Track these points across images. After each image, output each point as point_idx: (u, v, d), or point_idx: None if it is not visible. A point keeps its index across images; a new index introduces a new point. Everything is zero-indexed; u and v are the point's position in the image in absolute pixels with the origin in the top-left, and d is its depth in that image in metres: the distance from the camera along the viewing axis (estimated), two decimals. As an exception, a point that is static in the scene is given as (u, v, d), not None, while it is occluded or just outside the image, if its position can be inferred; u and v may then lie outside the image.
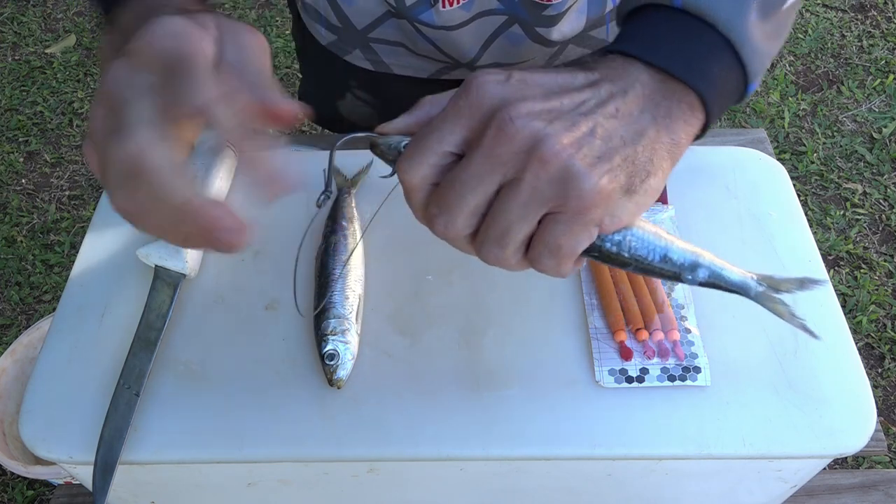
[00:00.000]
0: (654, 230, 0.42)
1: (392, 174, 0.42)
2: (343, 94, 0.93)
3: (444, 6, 0.69)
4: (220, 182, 0.63)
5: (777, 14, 0.43)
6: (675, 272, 0.42)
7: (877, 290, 1.58)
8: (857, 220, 1.71)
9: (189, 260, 0.57)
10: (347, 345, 0.53)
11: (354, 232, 0.60)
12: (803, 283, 0.44)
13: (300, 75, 2.09)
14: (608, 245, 0.40)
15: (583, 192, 0.36)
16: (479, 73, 0.38)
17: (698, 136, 0.42)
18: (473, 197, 0.37)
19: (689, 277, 0.42)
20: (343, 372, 0.52)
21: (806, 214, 0.63)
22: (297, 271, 0.54)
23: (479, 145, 0.37)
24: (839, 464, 1.29)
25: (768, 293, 0.44)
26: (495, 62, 0.79)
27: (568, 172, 0.36)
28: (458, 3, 0.69)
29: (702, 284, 0.43)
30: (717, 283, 0.43)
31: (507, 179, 0.37)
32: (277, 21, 2.24)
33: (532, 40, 0.75)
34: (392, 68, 0.85)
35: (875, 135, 1.87)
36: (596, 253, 0.40)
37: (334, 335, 0.53)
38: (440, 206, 0.38)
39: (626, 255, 0.41)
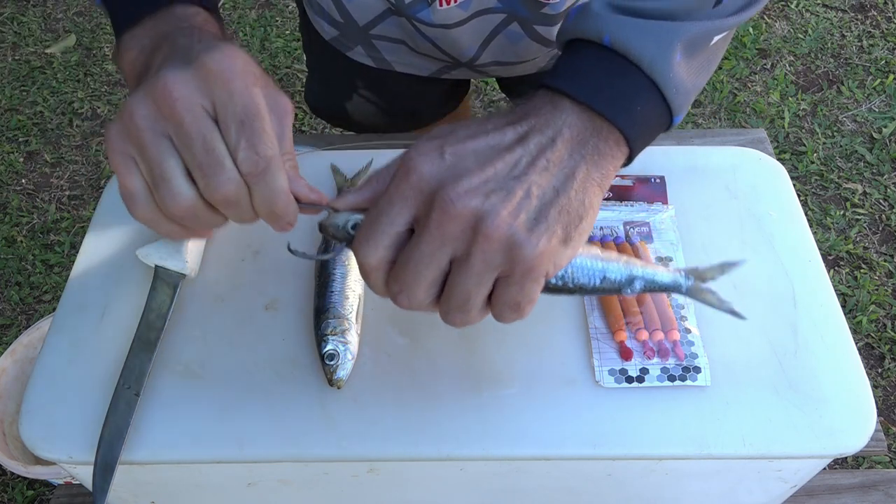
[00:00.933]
0: (588, 255, 0.45)
1: (333, 255, 0.46)
2: (347, 91, 0.94)
3: (440, 5, 0.69)
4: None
5: (704, 51, 0.45)
6: (616, 288, 0.46)
7: (877, 290, 1.58)
8: (857, 220, 1.71)
9: (189, 260, 0.57)
10: (347, 345, 0.53)
11: (354, 232, 0.60)
12: (723, 268, 0.48)
13: (300, 75, 2.09)
14: (553, 281, 0.44)
15: (527, 257, 0.39)
16: (414, 149, 0.41)
17: (623, 166, 0.45)
18: (429, 272, 0.40)
19: (629, 290, 0.46)
20: (343, 372, 0.52)
21: (806, 214, 0.63)
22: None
23: (426, 225, 0.39)
24: (839, 464, 1.29)
25: (697, 285, 0.47)
26: (495, 61, 0.79)
27: (512, 242, 0.39)
28: (454, 1, 0.69)
29: (641, 292, 0.46)
30: (652, 288, 0.46)
31: (458, 254, 0.40)
32: (277, 21, 2.24)
33: (531, 39, 0.76)
34: (394, 66, 0.85)
35: (875, 135, 1.87)
36: (543, 291, 0.43)
37: (334, 335, 0.53)
38: (399, 283, 0.41)
39: (571, 285, 0.45)
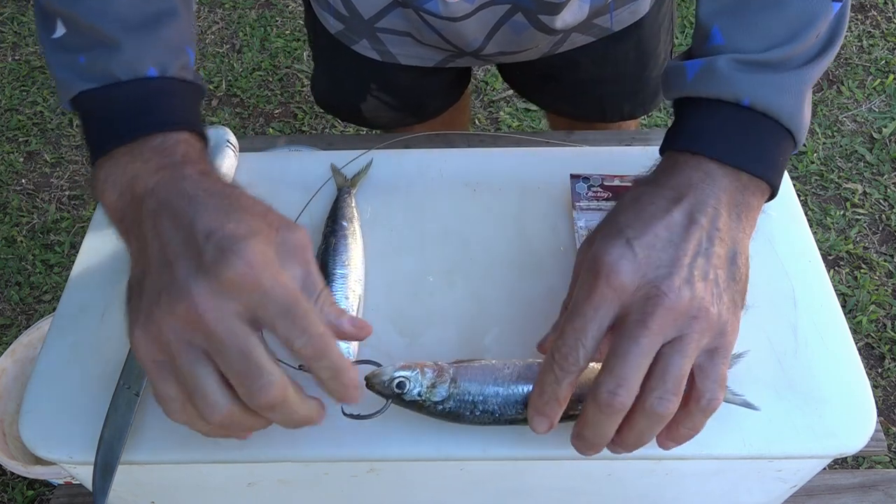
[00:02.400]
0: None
1: (383, 410, 0.47)
2: (353, 86, 0.94)
3: None
4: (220, 182, 0.63)
5: (812, 83, 0.49)
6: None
7: (877, 290, 1.58)
8: (857, 220, 1.71)
9: (189, 260, 0.57)
10: (347, 345, 0.53)
11: (354, 232, 0.60)
12: (730, 360, 0.49)
13: (300, 75, 2.09)
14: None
15: (728, 332, 0.43)
16: (602, 251, 0.42)
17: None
18: (646, 362, 0.41)
19: None
20: (343, 372, 0.52)
21: (806, 214, 0.63)
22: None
23: (643, 321, 0.41)
24: (839, 464, 1.29)
25: None
26: (500, 51, 0.80)
27: (719, 321, 0.42)
28: None
29: None
30: None
31: (669, 339, 0.41)
32: (277, 21, 2.24)
33: (535, 28, 0.76)
34: (398, 59, 0.85)
35: (875, 135, 1.87)
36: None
37: (334, 335, 0.53)
38: (619, 381, 0.41)
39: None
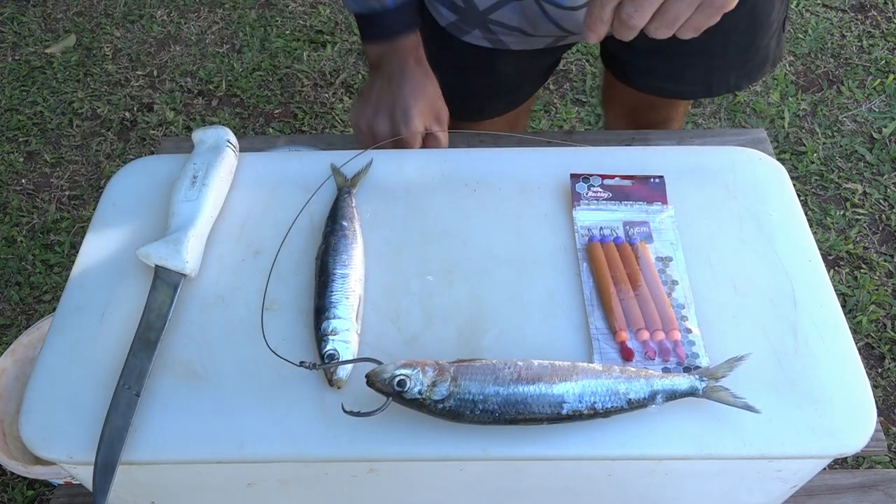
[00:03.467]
0: (611, 379, 0.49)
1: (384, 407, 0.48)
2: (453, 75, 0.96)
3: None
4: (219, 181, 0.63)
5: None
6: (643, 405, 0.49)
7: (877, 290, 1.58)
8: (857, 220, 1.71)
9: (189, 260, 0.57)
10: (347, 345, 0.53)
11: (354, 232, 0.60)
12: (731, 364, 0.51)
13: (300, 76, 2.09)
14: (582, 408, 0.48)
15: None
16: None
17: None
18: None
19: (652, 406, 0.49)
20: (343, 372, 0.52)
21: (806, 214, 0.63)
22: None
23: None
24: (839, 464, 1.29)
25: (711, 385, 0.50)
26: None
27: None
28: None
29: (664, 401, 0.50)
30: (672, 397, 0.50)
31: None
32: (277, 21, 2.24)
33: None
34: (509, 45, 0.88)
35: (875, 135, 1.87)
36: (575, 420, 0.48)
37: (334, 335, 0.53)
38: (636, 4, 0.51)
39: (599, 409, 0.48)
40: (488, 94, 1.00)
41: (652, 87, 1.05)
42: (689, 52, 0.88)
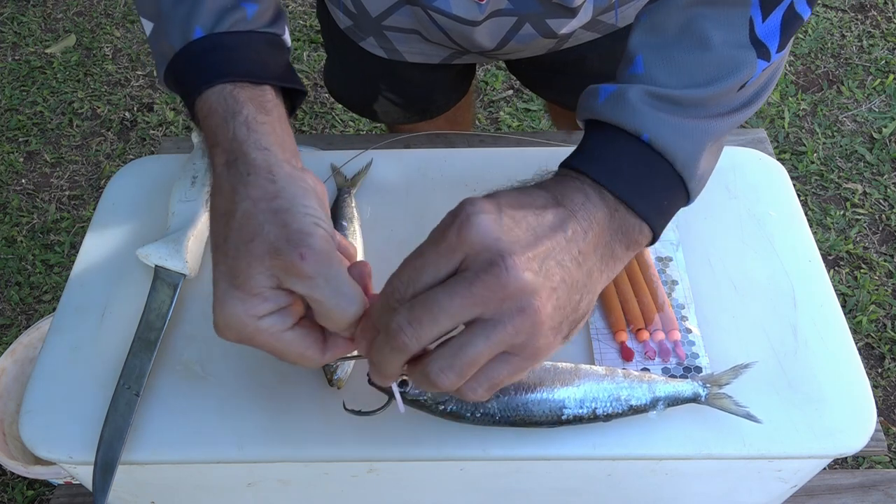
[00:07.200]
0: (614, 383, 0.49)
1: (385, 407, 0.47)
2: (362, 80, 0.95)
3: None
4: (220, 182, 0.63)
5: (721, 140, 0.47)
6: (643, 411, 0.49)
7: (877, 290, 1.58)
8: (857, 220, 1.71)
9: (189, 260, 0.57)
10: (347, 345, 0.53)
11: (354, 232, 0.60)
12: (736, 371, 0.50)
13: (300, 75, 2.09)
14: (583, 412, 0.48)
15: (541, 349, 0.39)
16: (469, 204, 0.40)
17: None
18: (449, 322, 0.38)
19: (653, 412, 0.49)
20: (343, 372, 0.52)
21: (806, 214, 0.63)
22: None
23: (469, 281, 0.38)
24: (839, 464, 1.29)
25: (714, 391, 0.50)
26: (506, 50, 0.80)
27: (539, 329, 0.38)
28: None
29: (666, 407, 0.49)
30: (675, 403, 0.49)
31: (486, 318, 0.38)
32: (277, 21, 2.25)
33: (543, 36, 0.77)
34: (405, 56, 0.86)
35: (875, 135, 1.87)
36: (572, 423, 0.48)
37: (334, 335, 0.53)
38: (412, 320, 0.38)
39: (600, 413, 0.48)
40: (401, 103, 0.98)
41: (558, 99, 1.07)
42: (589, 74, 0.87)
